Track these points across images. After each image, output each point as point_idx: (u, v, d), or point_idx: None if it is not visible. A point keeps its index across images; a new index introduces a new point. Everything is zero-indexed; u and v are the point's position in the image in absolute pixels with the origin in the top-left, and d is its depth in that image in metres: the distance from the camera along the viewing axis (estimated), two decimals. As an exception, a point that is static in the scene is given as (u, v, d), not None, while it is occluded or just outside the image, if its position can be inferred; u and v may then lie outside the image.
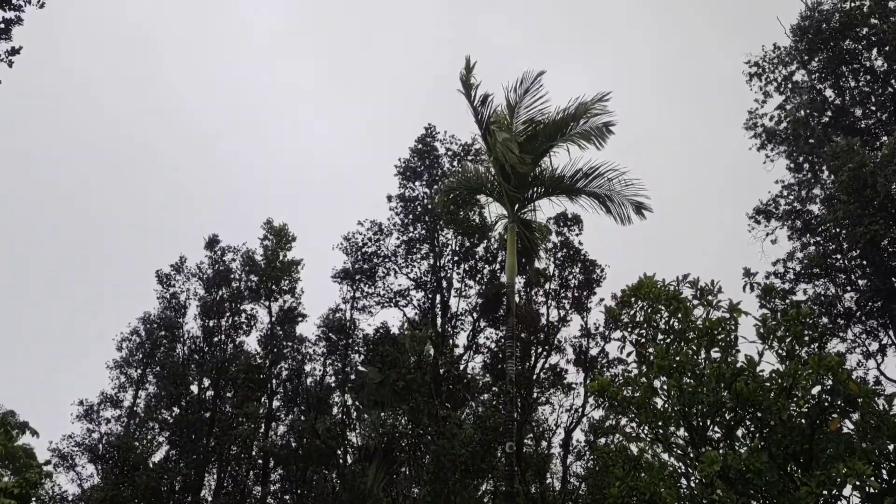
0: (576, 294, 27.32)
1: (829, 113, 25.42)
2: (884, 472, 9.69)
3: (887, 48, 23.53)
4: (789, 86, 26.51)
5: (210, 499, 31.05)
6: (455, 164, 28.83)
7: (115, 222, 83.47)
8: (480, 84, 20.39)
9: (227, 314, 33.33)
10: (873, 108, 25.28)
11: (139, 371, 34.09)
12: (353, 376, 29.84)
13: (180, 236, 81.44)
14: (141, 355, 33.87)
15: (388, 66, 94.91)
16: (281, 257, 33.81)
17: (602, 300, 26.85)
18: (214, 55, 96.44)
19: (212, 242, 34.21)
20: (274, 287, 33.12)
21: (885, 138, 24.10)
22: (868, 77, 25.12)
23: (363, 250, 29.03)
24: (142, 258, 76.15)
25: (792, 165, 25.63)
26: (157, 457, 31.80)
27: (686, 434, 11.51)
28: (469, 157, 28.42)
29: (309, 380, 31.07)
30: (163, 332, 33.23)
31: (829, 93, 25.83)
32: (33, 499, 21.95)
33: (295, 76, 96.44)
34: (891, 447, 9.65)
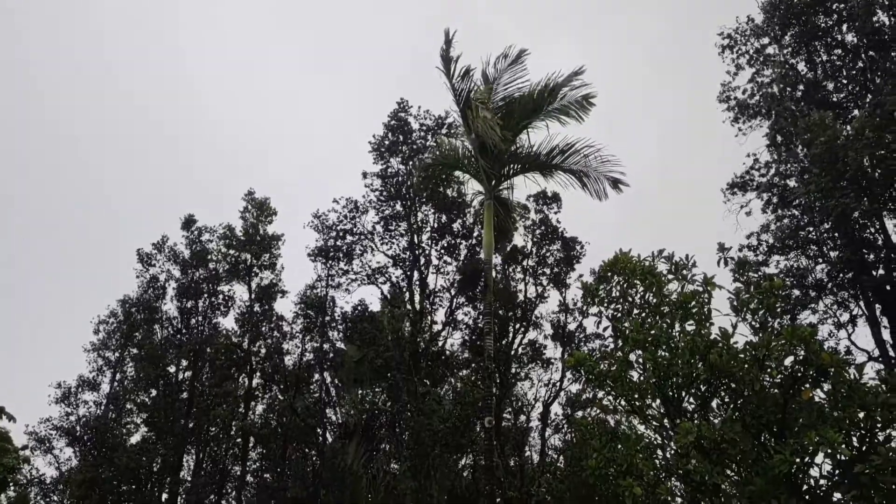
0: (555, 270, 27.46)
1: (801, 87, 25.60)
2: (854, 439, 9.88)
3: (857, 23, 23.69)
4: (761, 58, 26.64)
5: (189, 479, 31.03)
6: (429, 138, 28.68)
7: (92, 204, 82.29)
8: (461, 56, 20.23)
9: (205, 295, 33.09)
10: (844, 82, 25.49)
11: (117, 354, 33.88)
12: (331, 354, 29.84)
13: (160, 220, 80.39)
14: (118, 338, 33.63)
15: (368, 43, 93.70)
16: (262, 231, 33.49)
17: (581, 276, 26.99)
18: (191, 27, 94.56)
19: (188, 222, 33.86)
20: (254, 262, 32.81)
21: (856, 112, 24.36)
22: (840, 51, 25.31)
23: (338, 228, 28.84)
24: (119, 241, 75.36)
25: (769, 140, 25.84)
26: (135, 439, 31.70)
27: (661, 406, 11.67)
28: (443, 132, 28.28)
29: (288, 358, 31.03)
30: (141, 316, 32.97)
31: (801, 67, 26.01)
32: (11, 483, 21.82)
33: (276, 53, 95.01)
34: (861, 415, 9.83)
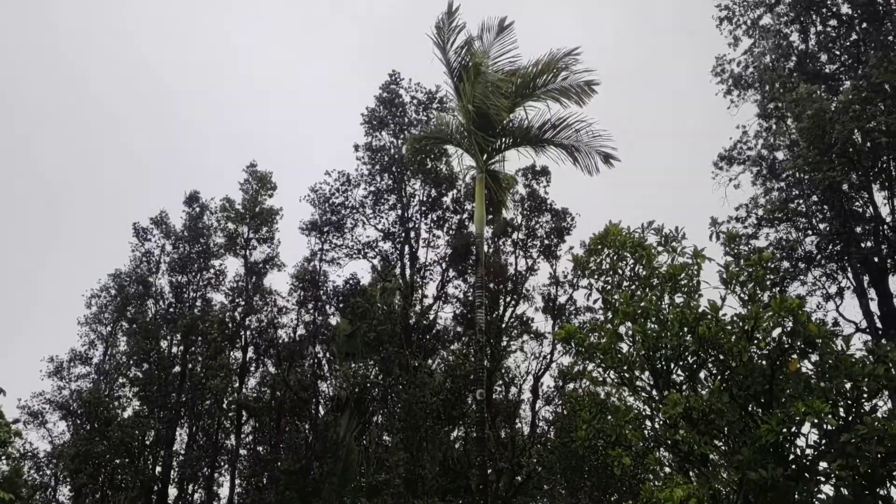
0: (545, 242, 27.47)
1: (793, 58, 25.49)
2: (841, 409, 10.00)
3: (853, -7, 23.56)
4: (757, 30, 26.46)
5: (183, 452, 31.19)
6: (421, 112, 28.51)
7: (88, 177, 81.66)
8: (463, 27, 19.92)
9: (199, 270, 32.92)
10: (837, 53, 25.40)
11: (109, 328, 33.86)
12: (323, 329, 29.89)
13: (154, 193, 79.92)
14: (111, 312, 33.59)
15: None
16: (261, 204, 33.21)
17: (572, 248, 27.06)
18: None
19: (192, 199, 33.50)
20: (252, 235, 32.60)
21: (847, 83, 24.30)
22: (834, 22, 25.17)
23: (331, 201, 28.73)
24: (117, 215, 74.85)
25: (760, 112, 25.75)
26: (128, 413, 31.77)
27: (650, 377, 11.76)
28: (434, 106, 28.11)
29: (281, 332, 31.05)
30: (133, 290, 32.85)
31: (794, 38, 25.87)
32: (3, 457, 21.89)
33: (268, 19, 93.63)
34: (847, 386, 9.93)
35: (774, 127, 24.87)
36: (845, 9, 24.78)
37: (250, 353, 31.97)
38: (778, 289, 20.57)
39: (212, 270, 33.19)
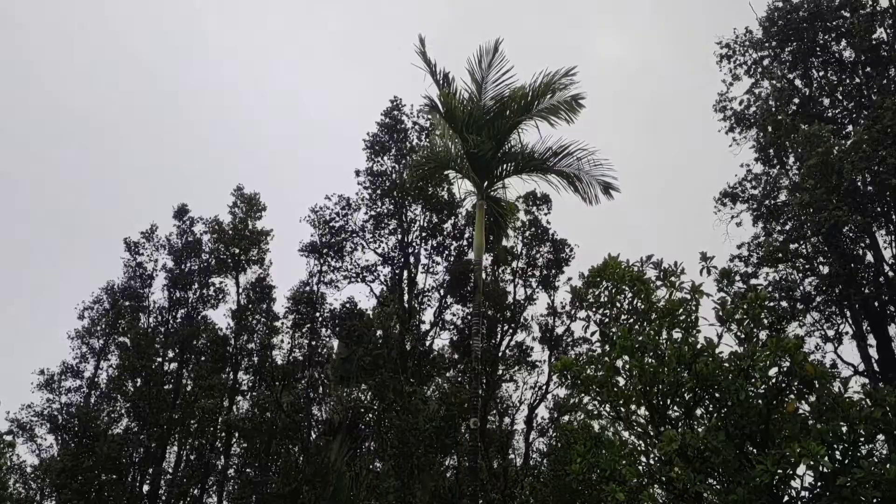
0: (544, 272, 27.44)
1: (796, 100, 25.71)
2: (837, 452, 9.91)
3: (855, 39, 23.80)
4: (759, 69, 26.76)
5: (171, 471, 30.87)
6: (423, 138, 28.65)
7: (82, 189, 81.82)
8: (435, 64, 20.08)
9: (196, 287, 32.91)
10: (840, 98, 25.62)
11: (101, 341, 33.67)
12: (320, 350, 29.77)
13: (149, 207, 79.90)
14: (104, 325, 33.42)
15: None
16: (250, 226, 33.32)
17: (570, 279, 27.01)
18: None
19: (181, 212, 33.60)
20: (243, 257, 32.65)
21: (850, 127, 24.48)
22: (837, 67, 25.43)
23: (330, 224, 28.81)
24: (109, 226, 74.87)
25: (759, 155, 25.90)
26: (118, 429, 31.52)
27: (646, 413, 11.68)
28: (437, 132, 28.28)
29: (275, 353, 30.89)
30: (127, 303, 32.77)
31: (797, 83, 26.13)
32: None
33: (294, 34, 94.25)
34: (844, 428, 9.85)
35: (775, 171, 25.05)
36: (847, 53, 25.05)
37: (241, 374, 31.81)
38: (775, 328, 20.51)
39: (211, 288, 33.17)
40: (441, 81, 20.18)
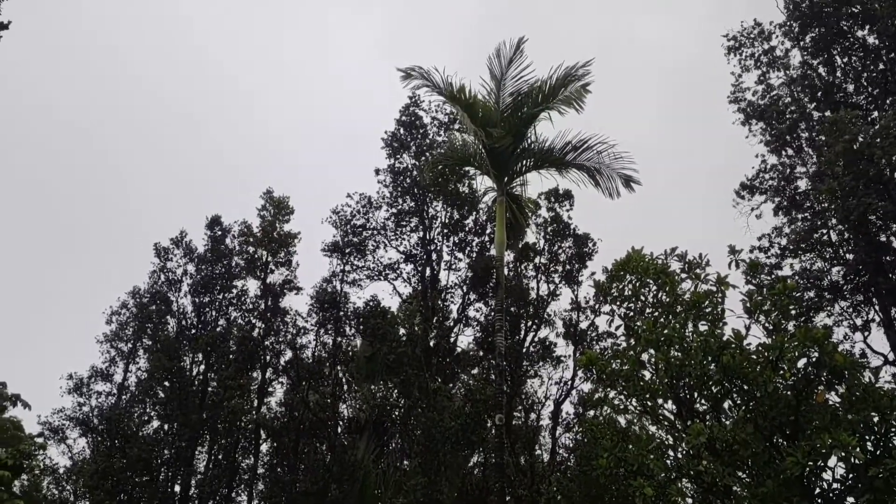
0: (567, 267, 27.35)
1: (820, 87, 25.41)
2: (868, 443, 9.80)
3: (878, 24, 23.46)
4: (766, 60, 26.65)
5: (202, 470, 31.21)
6: (442, 133, 28.65)
7: (112, 195, 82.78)
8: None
9: (219, 290, 33.29)
10: (864, 84, 25.26)
11: (129, 345, 34.13)
12: (345, 348, 29.92)
13: (178, 213, 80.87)
14: (132, 329, 33.88)
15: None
16: (278, 229, 33.68)
17: (593, 273, 26.87)
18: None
19: (213, 223, 34.11)
20: (270, 258, 33.02)
21: (875, 113, 24.13)
22: (861, 53, 25.09)
23: (352, 223, 28.92)
24: (136, 233, 75.71)
25: (771, 144, 25.66)
26: (148, 430, 31.92)
27: (673, 406, 11.63)
28: (455, 127, 28.23)
29: (300, 352, 31.11)
30: (154, 307, 33.21)
31: (820, 70, 25.84)
32: (28, 468, 22.09)
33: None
34: (876, 419, 9.74)
35: (796, 157, 24.74)
36: (871, 39, 24.69)
37: (270, 374, 32.08)
38: (803, 318, 20.26)
39: (234, 291, 33.53)
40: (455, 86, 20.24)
